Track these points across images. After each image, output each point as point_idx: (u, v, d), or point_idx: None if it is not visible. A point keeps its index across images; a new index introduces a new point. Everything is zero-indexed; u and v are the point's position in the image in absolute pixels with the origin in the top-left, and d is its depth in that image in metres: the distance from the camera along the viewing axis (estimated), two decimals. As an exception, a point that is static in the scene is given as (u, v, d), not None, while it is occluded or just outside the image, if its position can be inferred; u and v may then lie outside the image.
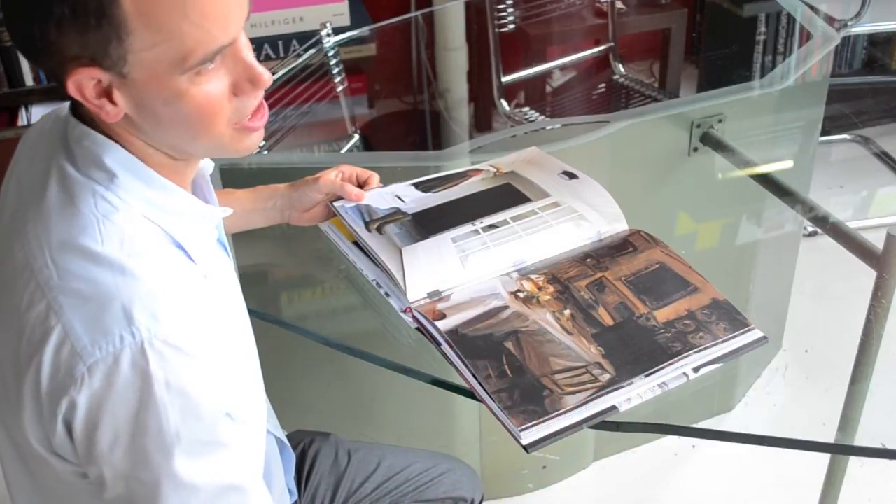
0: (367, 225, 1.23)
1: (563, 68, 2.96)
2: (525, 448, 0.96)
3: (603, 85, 2.88)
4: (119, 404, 0.79)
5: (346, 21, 2.66)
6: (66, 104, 0.94)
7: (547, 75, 2.95)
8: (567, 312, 1.11)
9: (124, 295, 0.79)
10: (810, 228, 2.45)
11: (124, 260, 0.81)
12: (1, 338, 0.86)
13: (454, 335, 1.08)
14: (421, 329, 1.11)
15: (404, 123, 3.10)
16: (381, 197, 1.28)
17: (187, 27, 0.77)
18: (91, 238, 0.82)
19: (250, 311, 1.01)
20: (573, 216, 1.24)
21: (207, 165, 1.02)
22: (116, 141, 0.86)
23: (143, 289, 0.80)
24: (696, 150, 1.72)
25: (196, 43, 0.78)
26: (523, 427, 0.96)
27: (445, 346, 1.07)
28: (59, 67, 0.80)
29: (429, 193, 1.31)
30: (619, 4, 2.90)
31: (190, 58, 0.79)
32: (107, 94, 0.81)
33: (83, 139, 0.86)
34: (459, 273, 1.16)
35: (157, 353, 0.78)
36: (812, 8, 1.99)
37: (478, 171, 1.36)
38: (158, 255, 0.85)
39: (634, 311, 1.11)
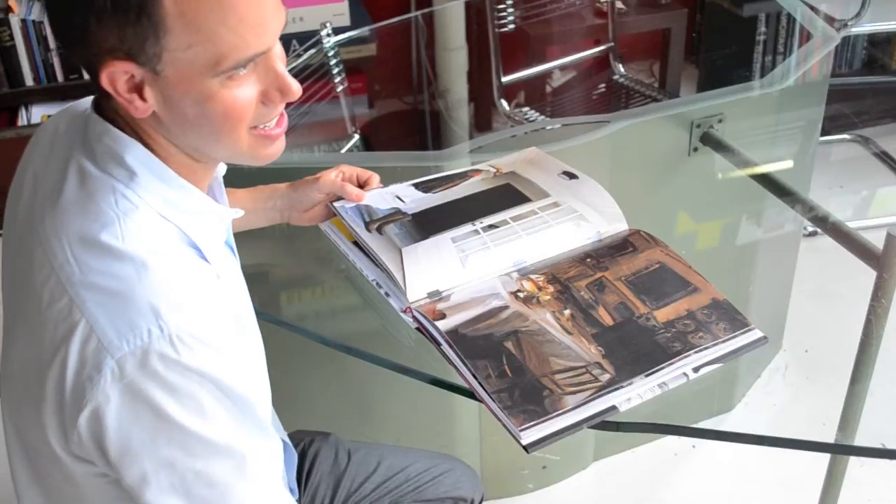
0: (367, 225, 1.23)
1: (563, 68, 2.96)
2: (525, 448, 0.96)
3: (603, 85, 2.87)
4: (153, 395, 0.79)
5: (346, 21, 2.66)
6: (81, 101, 0.95)
7: (547, 75, 2.95)
8: (567, 312, 1.11)
9: (149, 290, 0.80)
10: (810, 228, 2.45)
11: (146, 256, 0.82)
12: (21, 336, 0.86)
13: (454, 335, 1.08)
14: (421, 329, 1.11)
15: (404, 123, 3.10)
16: (381, 197, 1.28)
17: (224, 32, 0.78)
18: (112, 235, 0.82)
19: (250, 311, 1.01)
20: (573, 216, 1.24)
21: (220, 167, 1.02)
22: (139, 138, 0.87)
23: (166, 284, 0.81)
24: (696, 150, 1.72)
25: (231, 48, 0.79)
26: (523, 427, 0.96)
27: (445, 346, 1.07)
28: (94, 59, 0.81)
29: (429, 194, 1.31)
30: (619, 4, 2.90)
31: (224, 62, 0.80)
32: (138, 89, 0.82)
33: (104, 136, 0.87)
34: (459, 273, 1.16)
35: (186, 346, 0.79)
36: (812, 8, 1.99)
37: (478, 171, 1.36)
38: (177, 252, 0.86)
39: (634, 311, 1.11)
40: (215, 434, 0.81)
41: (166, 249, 0.84)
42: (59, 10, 0.81)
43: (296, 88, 0.87)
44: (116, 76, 0.81)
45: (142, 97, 0.82)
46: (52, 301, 0.82)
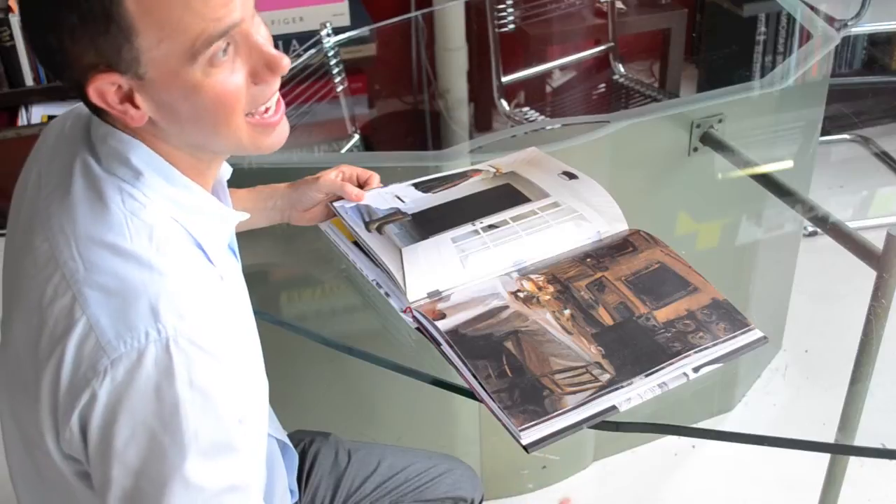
0: (366, 225, 1.23)
1: (563, 68, 2.96)
2: (525, 448, 0.96)
3: (603, 85, 2.87)
4: (139, 400, 0.78)
5: (346, 21, 2.66)
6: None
7: (547, 75, 2.95)
8: (567, 312, 1.11)
9: (151, 291, 0.80)
10: (810, 228, 2.45)
11: (152, 257, 0.82)
12: (21, 331, 0.86)
13: (454, 335, 1.08)
14: (421, 329, 1.11)
15: (404, 123, 3.10)
16: (381, 197, 1.28)
17: (190, 17, 0.78)
18: (119, 234, 0.82)
19: (250, 311, 1.01)
20: (573, 216, 1.24)
21: (225, 171, 1.02)
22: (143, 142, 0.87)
23: (169, 286, 0.81)
24: (696, 150, 1.72)
25: (200, 30, 0.79)
26: (523, 427, 0.96)
27: (445, 346, 1.07)
28: (79, 77, 0.81)
29: (429, 194, 1.31)
30: (619, 4, 2.90)
31: (196, 45, 0.79)
32: (128, 98, 0.82)
33: (108, 138, 0.87)
34: (459, 273, 1.16)
35: (182, 352, 0.78)
36: (812, 8, 1.99)
37: (477, 171, 1.36)
38: (183, 253, 0.85)
39: (634, 311, 1.11)
40: (188, 447, 0.79)
41: (173, 251, 0.84)
42: (36, 39, 0.81)
43: (285, 62, 0.86)
44: (104, 90, 0.81)
45: (134, 105, 0.82)
46: (54, 297, 0.82)
